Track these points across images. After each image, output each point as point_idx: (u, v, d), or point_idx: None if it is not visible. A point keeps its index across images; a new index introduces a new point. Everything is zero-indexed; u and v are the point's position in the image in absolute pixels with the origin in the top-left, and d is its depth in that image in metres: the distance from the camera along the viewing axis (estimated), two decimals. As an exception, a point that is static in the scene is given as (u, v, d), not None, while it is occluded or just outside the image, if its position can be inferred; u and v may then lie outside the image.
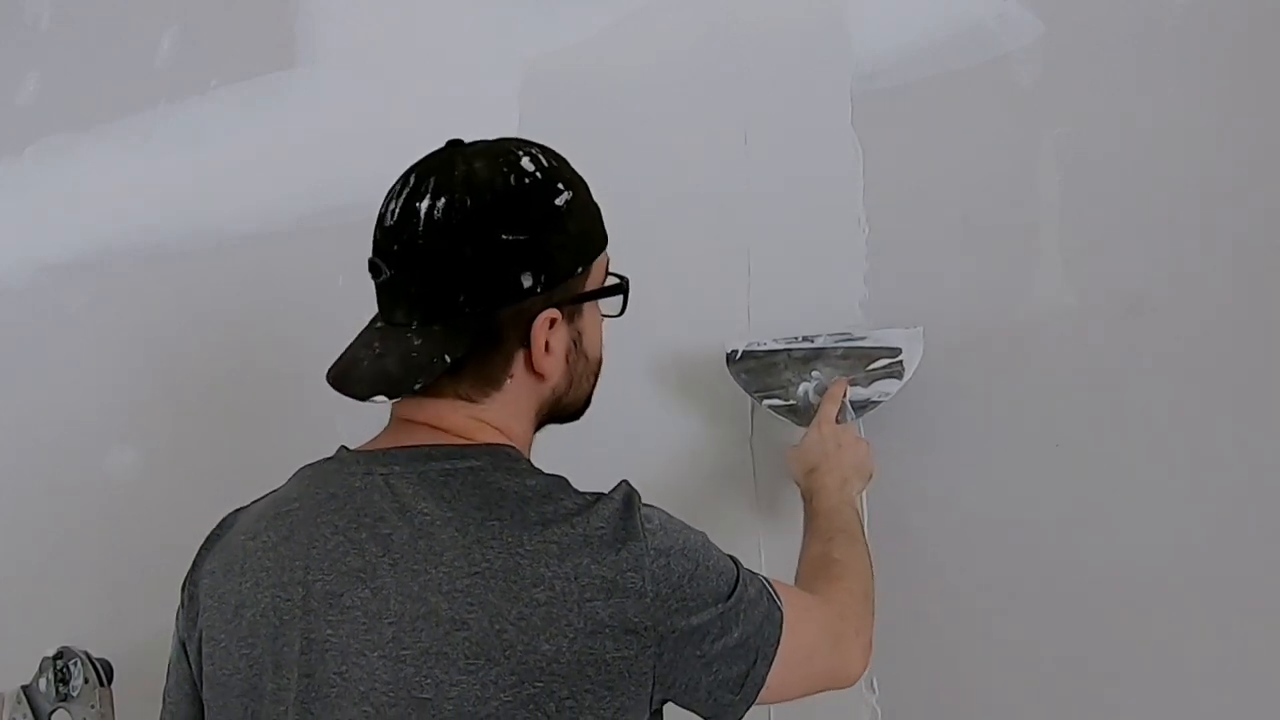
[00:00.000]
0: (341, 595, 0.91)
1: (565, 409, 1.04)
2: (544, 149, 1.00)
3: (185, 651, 1.03)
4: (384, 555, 0.90)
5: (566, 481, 0.95)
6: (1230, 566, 1.17)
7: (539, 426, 1.03)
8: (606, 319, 1.05)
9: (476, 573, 0.87)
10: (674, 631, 0.89)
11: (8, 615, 2.01)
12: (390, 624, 0.88)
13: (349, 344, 1.01)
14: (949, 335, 1.31)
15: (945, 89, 1.33)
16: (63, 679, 1.54)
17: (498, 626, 0.86)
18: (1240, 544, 1.17)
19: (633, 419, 1.47)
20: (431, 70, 1.70)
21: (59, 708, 1.55)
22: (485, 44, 1.65)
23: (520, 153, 0.97)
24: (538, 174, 0.96)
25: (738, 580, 0.95)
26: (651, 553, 0.89)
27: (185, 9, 1.95)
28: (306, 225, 1.77)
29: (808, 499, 1.22)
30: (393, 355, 0.95)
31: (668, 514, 0.96)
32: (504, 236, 0.93)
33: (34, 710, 1.56)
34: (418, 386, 0.93)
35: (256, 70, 1.85)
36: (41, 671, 1.57)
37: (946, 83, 1.33)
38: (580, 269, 0.98)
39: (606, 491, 0.94)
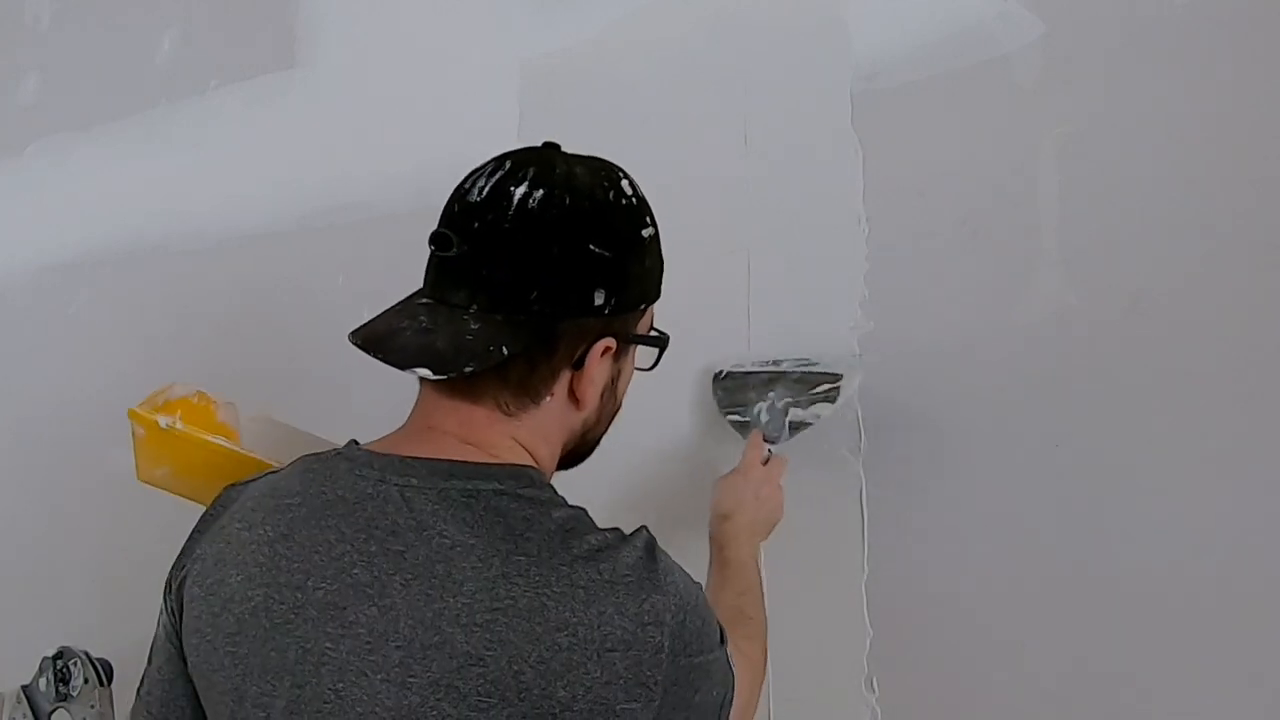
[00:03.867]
0: (345, 609, 0.86)
1: (586, 445, 1.02)
2: (638, 182, 0.99)
3: (175, 631, 0.97)
4: (395, 574, 0.86)
5: (587, 514, 0.92)
6: (1230, 566, 1.17)
7: (562, 460, 1.01)
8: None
9: (499, 608, 0.84)
10: (676, 684, 0.87)
11: (8, 615, 2.01)
12: (398, 648, 0.84)
13: (382, 312, 0.96)
14: (949, 335, 1.31)
15: (945, 89, 1.33)
16: (63, 679, 1.54)
17: (516, 667, 0.83)
18: (1241, 544, 1.17)
19: (633, 415, 1.47)
20: (432, 70, 1.70)
21: (59, 708, 1.55)
22: (485, 44, 1.65)
23: (620, 174, 0.98)
24: (633, 200, 0.97)
25: (723, 637, 0.95)
26: (673, 608, 0.87)
27: (185, 9, 1.95)
28: (306, 225, 1.77)
29: (717, 545, 1.22)
30: (444, 333, 0.91)
31: (675, 562, 0.93)
32: (592, 247, 0.92)
33: (34, 710, 1.56)
34: (469, 370, 0.89)
35: (256, 70, 1.86)
36: (41, 671, 1.56)
37: (946, 83, 1.33)
38: (642, 306, 0.99)
39: (627, 533, 0.91)
